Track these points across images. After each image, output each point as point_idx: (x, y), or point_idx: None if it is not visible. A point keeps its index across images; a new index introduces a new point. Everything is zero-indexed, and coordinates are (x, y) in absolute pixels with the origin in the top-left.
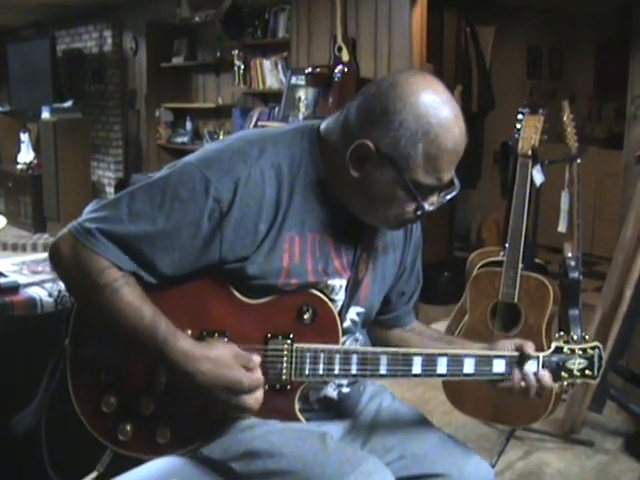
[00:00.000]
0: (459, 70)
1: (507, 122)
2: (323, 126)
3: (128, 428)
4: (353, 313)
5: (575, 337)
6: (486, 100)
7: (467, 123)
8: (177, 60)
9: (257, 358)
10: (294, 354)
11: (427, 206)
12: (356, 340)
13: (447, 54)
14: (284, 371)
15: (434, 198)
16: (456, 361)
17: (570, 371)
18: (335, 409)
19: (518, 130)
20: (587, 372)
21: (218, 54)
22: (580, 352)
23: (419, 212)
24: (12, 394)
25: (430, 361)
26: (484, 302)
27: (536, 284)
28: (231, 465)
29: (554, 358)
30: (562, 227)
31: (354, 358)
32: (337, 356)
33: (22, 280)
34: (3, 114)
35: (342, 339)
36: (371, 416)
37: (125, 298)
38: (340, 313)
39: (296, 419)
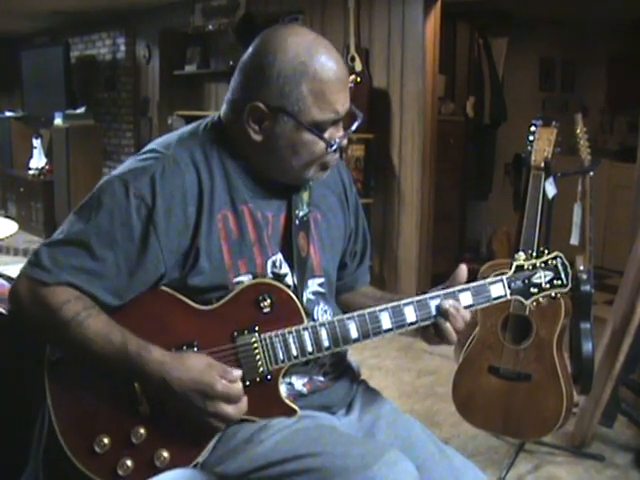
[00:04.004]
0: (471, 82)
1: (519, 134)
2: (221, 111)
3: (128, 462)
4: (315, 285)
5: (533, 254)
6: (498, 112)
7: (479, 135)
8: (190, 68)
9: (237, 372)
10: (263, 343)
11: (336, 140)
12: (325, 312)
13: (460, 65)
14: (259, 362)
15: (339, 133)
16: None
17: (539, 285)
18: (326, 396)
19: (531, 142)
20: (556, 282)
21: (231, 62)
22: (542, 265)
23: (330, 149)
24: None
25: (397, 313)
26: (495, 314)
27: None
28: (249, 477)
29: (519, 277)
30: (574, 240)
31: (323, 330)
32: (306, 333)
33: None
34: (16, 120)
35: (311, 314)
36: (368, 425)
37: (92, 328)
38: (296, 290)
39: (288, 408)
